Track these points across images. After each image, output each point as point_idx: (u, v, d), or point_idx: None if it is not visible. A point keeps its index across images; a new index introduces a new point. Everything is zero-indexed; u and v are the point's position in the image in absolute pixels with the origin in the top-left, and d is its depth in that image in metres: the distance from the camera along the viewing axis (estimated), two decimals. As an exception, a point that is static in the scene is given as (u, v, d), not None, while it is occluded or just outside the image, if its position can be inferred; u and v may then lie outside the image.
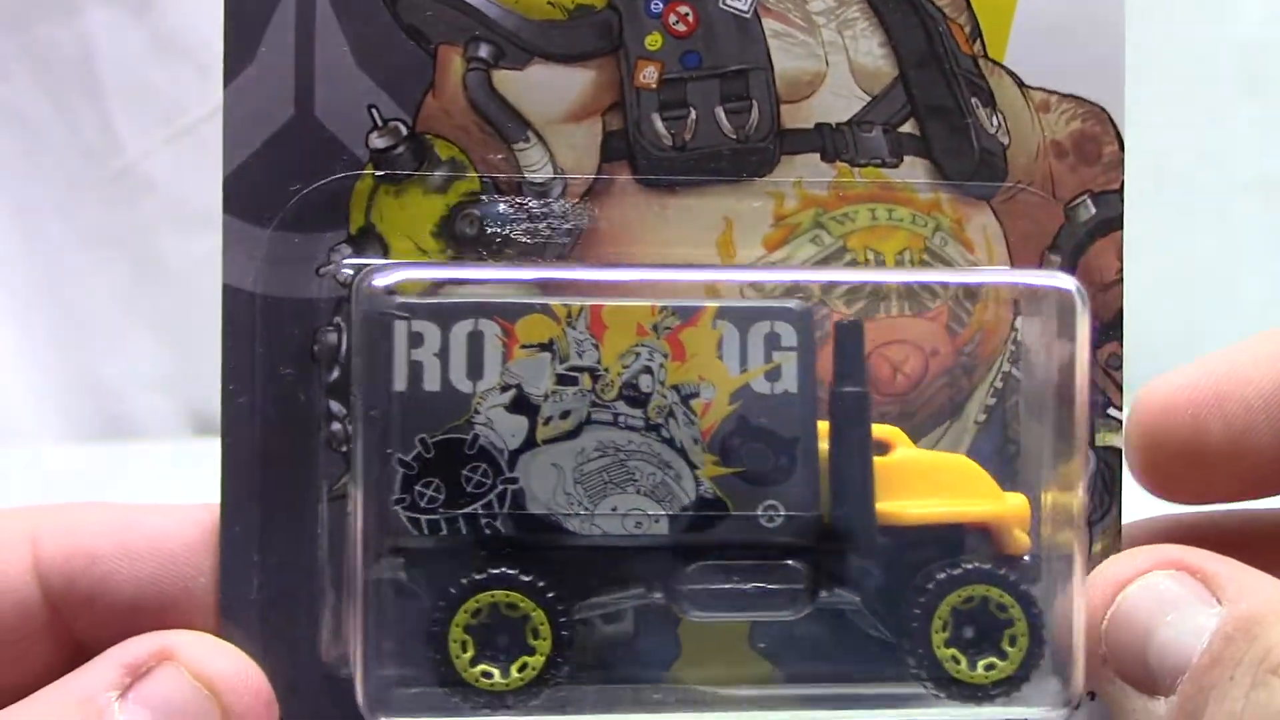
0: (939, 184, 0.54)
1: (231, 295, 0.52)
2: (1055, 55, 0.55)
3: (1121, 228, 0.55)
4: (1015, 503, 0.51)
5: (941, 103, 0.54)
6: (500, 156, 0.53)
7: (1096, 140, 0.55)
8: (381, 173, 0.53)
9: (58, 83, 1.33)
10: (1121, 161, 0.55)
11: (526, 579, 0.48)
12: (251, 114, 0.52)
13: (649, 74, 0.54)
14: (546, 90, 0.53)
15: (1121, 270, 0.55)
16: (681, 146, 0.54)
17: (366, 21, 0.52)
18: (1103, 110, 0.55)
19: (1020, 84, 0.55)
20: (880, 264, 0.55)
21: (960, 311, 0.55)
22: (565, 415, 0.48)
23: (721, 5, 0.54)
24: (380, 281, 0.49)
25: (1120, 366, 0.55)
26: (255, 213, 0.52)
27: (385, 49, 0.52)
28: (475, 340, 0.48)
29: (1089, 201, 0.55)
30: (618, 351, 0.48)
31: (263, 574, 0.51)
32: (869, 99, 0.54)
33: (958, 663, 0.50)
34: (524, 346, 0.48)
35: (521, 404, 0.48)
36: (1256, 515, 0.57)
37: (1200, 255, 1.19)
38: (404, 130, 0.53)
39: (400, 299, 0.49)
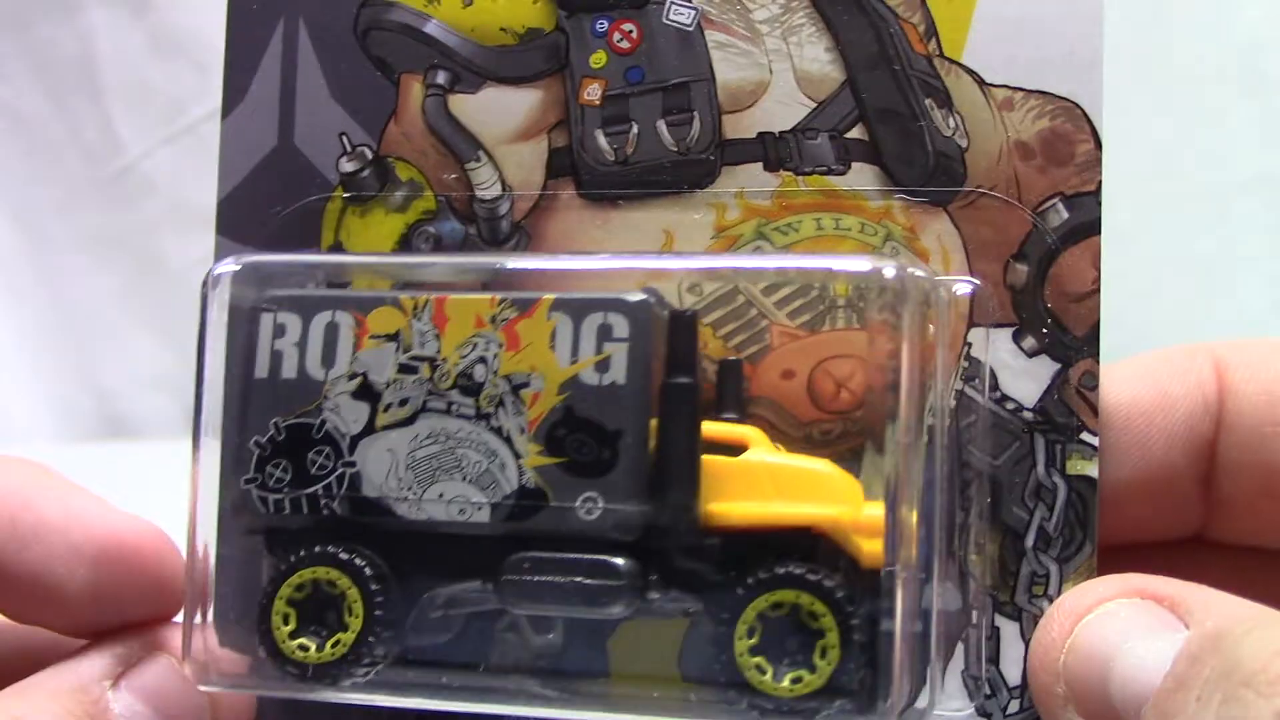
0: (890, 190, 0.52)
1: (221, 309, 0.57)
2: (1021, 49, 0.52)
3: (1099, 232, 0.50)
4: (867, 513, 0.47)
5: (892, 106, 0.52)
6: (454, 176, 0.56)
7: (1068, 139, 0.51)
8: (349, 194, 0.56)
9: (58, 83, 1.34)
10: (1099, 160, 0.50)
11: (345, 557, 0.49)
12: (242, 145, 0.57)
13: (593, 91, 0.55)
14: (497, 111, 0.56)
15: (1099, 280, 0.50)
16: (624, 161, 0.54)
17: (340, 56, 0.57)
18: (1076, 106, 0.51)
19: (981, 82, 0.52)
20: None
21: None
22: (404, 403, 0.49)
23: (665, 20, 0.54)
24: (220, 270, 0.51)
25: (1095, 386, 0.50)
26: (243, 234, 0.57)
27: (355, 81, 0.57)
28: (331, 331, 0.50)
29: (1060, 205, 0.51)
30: (457, 342, 0.49)
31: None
32: (814, 105, 0.52)
33: (762, 673, 0.46)
34: (373, 337, 0.50)
35: (365, 391, 0.50)
36: None
37: (1199, 255, 1.09)
38: (369, 154, 0.57)
39: (270, 292, 0.51)
